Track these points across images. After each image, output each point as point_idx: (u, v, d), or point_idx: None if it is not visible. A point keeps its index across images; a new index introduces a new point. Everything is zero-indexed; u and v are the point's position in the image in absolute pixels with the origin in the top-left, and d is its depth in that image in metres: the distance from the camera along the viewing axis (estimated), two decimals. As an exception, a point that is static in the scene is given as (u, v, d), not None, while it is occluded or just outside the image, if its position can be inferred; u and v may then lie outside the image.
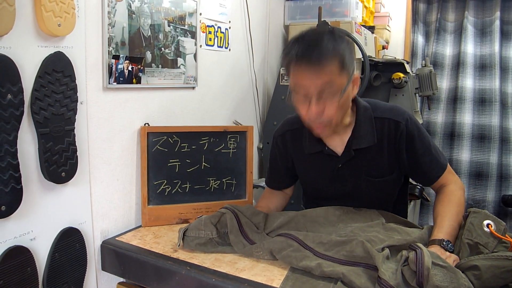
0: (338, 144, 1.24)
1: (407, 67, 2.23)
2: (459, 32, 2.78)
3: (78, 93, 1.15)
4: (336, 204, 1.30)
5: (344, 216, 1.26)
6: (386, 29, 2.77)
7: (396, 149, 1.23)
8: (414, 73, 2.26)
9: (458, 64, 2.85)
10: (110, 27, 1.25)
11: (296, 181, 1.47)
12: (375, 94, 2.07)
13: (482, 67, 2.77)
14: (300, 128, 1.28)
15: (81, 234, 1.20)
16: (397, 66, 2.20)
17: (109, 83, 1.27)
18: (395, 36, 3.06)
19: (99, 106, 1.26)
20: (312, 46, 1.03)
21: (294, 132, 1.32)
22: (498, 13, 2.72)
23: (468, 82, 2.75)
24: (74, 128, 1.14)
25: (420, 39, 3.07)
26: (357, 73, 1.11)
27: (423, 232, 1.13)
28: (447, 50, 2.94)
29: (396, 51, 3.08)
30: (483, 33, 2.79)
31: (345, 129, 1.23)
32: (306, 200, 1.54)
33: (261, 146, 2.14)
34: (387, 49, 2.74)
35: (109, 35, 1.25)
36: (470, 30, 2.73)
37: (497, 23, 2.74)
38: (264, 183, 2.01)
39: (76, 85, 1.14)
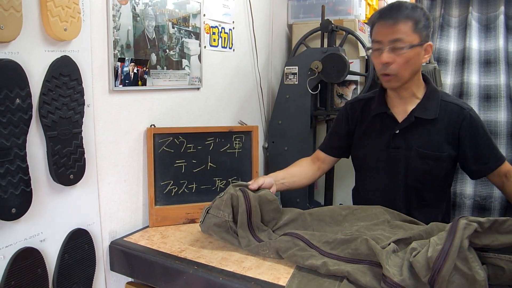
0: (401, 112, 1.35)
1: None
2: (463, 28, 2.76)
3: (85, 96, 1.16)
4: (384, 174, 1.38)
5: (350, 216, 1.27)
6: (390, 26, 2.76)
7: (456, 133, 1.31)
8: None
9: (463, 60, 2.83)
10: (115, 30, 1.27)
11: (345, 156, 1.54)
12: (380, 92, 2.07)
13: (487, 62, 2.76)
14: (370, 98, 1.45)
15: (90, 235, 1.22)
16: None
17: (115, 86, 1.28)
18: (399, 33, 3.05)
19: (106, 108, 1.28)
20: (391, 8, 1.25)
21: (366, 100, 1.47)
22: (502, 8, 2.70)
23: (474, 78, 2.73)
24: (82, 130, 1.16)
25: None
26: (430, 42, 1.28)
27: (429, 227, 1.13)
28: (451, 46, 2.92)
29: (401, 48, 3.07)
30: (487, 28, 2.77)
31: (412, 100, 1.34)
32: (355, 171, 1.55)
33: (266, 146, 2.15)
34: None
35: (114, 38, 1.27)
36: (474, 25, 2.71)
37: (502, 18, 2.72)
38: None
39: (83, 88, 1.15)
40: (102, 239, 1.29)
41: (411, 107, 1.33)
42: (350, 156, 1.54)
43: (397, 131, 1.34)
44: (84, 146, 1.17)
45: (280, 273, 1.07)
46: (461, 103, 1.36)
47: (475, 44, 2.76)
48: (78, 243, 1.19)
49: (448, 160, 1.33)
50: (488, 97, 2.61)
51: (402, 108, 1.35)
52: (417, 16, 1.23)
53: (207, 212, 1.22)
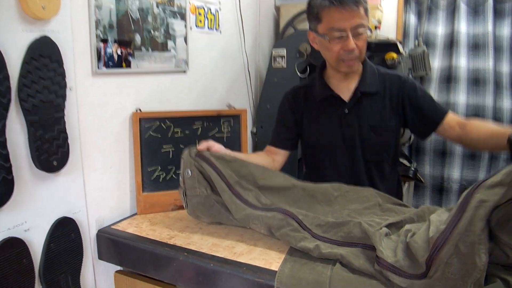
0: (345, 91, 1.38)
1: (400, 47, 2.20)
2: (452, 10, 2.75)
3: (66, 79, 1.11)
4: (343, 155, 1.38)
5: (341, 198, 1.24)
6: (378, 9, 2.72)
7: (399, 100, 1.36)
8: (407, 53, 2.24)
9: (451, 44, 2.82)
10: (96, 9, 1.21)
11: (295, 147, 1.52)
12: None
13: (476, 46, 2.75)
14: (310, 85, 1.46)
15: (76, 224, 1.18)
16: (390, 46, 2.16)
17: (98, 68, 1.24)
18: (387, 16, 3.01)
19: (89, 91, 1.23)
20: None
21: (304, 88, 1.48)
22: (490, -9, 2.69)
23: (462, 62, 2.73)
24: (64, 115, 1.11)
25: (412, 19, 3.03)
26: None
27: (419, 210, 1.12)
28: (439, 29, 2.90)
29: (389, 32, 3.04)
30: (476, 11, 2.76)
31: (353, 77, 1.38)
32: (306, 159, 1.55)
33: (255, 131, 2.12)
34: (379, 29, 2.71)
35: (96, 18, 1.22)
36: (463, 8, 2.69)
37: (490, 1, 2.72)
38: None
39: (64, 70, 1.10)
40: (89, 228, 1.25)
41: (353, 84, 1.37)
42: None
43: (347, 111, 1.36)
44: (67, 131, 1.12)
45: (272, 258, 1.05)
46: (398, 73, 1.43)
47: (463, 27, 2.74)
48: (64, 232, 1.15)
49: (397, 129, 1.40)
50: (477, 81, 2.61)
51: (345, 87, 1.38)
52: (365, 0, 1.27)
53: (185, 195, 1.20)
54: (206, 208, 1.19)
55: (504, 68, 2.72)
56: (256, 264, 1.02)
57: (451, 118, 1.31)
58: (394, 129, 1.38)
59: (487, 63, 2.65)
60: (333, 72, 1.39)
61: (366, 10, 1.26)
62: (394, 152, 1.42)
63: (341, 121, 1.37)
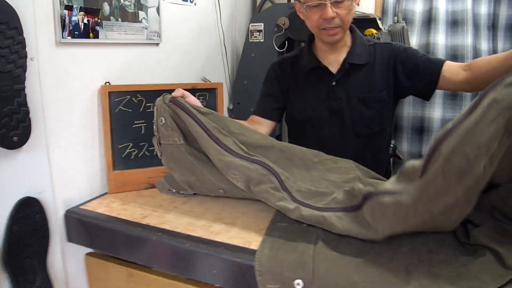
0: (333, 63, 1.34)
1: (379, 23, 2.16)
2: (431, -14, 2.72)
3: (27, 48, 1.02)
4: (329, 129, 1.34)
5: (320, 165, 1.19)
6: (356, -16, 2.67)
7: (389, 67, 1.31)
8: (386, 29, 2.20)
9: (429, 20, 2.80)
10: (60, -27, 1.12)
11: (280, 119, 1.49)
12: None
13: (454, 23, 2.74)
14: (298, 55, 1.42)
15: (41, 204, 1.11)
16: (369, 22, 2.13)
17: (62, 37, 1.14)
18: (366, -8, 2.97)
19: (53, 63, 1.14)
20: None
21: (292, 58, 1.43)
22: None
23: (440, 38, 2.72)
24: (25, 87, 1.03)
25: (390, -5, 2.99)
26: None
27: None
28: (418, 6, 2.88)
29: (367, 8, 3.00)
30: (454, -13, 2.74)
31: (342, 49, 1.34)
32: (290, 134, 1.51)
33: (231, 107, 2.06)
34: (358, 5, 2.66)
35: (60, -17, 1.12)
36: (441, -16, 2.67)
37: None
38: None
39: (24, 38, 1.01)
40: (56, 208, 1.18)
41: (342, 56, 1.33)
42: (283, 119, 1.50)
43: (334, 83, 1.32)
44: (28, 105, 1.04)
45: (251, 236, 1.00)
46: (387, 42, 1.40)
47: (442, 4, 2.73)
48: (28, 213, 1.08)
49: (389, 100, 1.34)
50: (455, 57, 2.60)
51: (333, 59, 1.34)
52: None
53: (159, 144, 1.14)
54: (178, 159, 1.13)
55: (483, 45, 2.73)
56: (235, 244, 0.97)
57: (450, 64, 1.26)
58: (385, 100, 1.33)
59: (466, 40, 2.65)
60: (321, 44, 1.35)
61: None
62: (386, 125, 1.38)
63: (329, 93, 1.33)
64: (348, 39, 1.35)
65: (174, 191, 1.27)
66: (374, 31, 2.07)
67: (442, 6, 2.70)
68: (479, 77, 1.14)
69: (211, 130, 1.09)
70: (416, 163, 0.81)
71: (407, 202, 0.78)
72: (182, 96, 1.16)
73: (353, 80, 1.32)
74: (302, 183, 1.07)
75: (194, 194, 1.27)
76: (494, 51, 2.75)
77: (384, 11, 3.07)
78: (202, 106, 1.17)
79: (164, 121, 1.12)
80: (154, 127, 1.15)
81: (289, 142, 1.48)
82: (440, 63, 1.27)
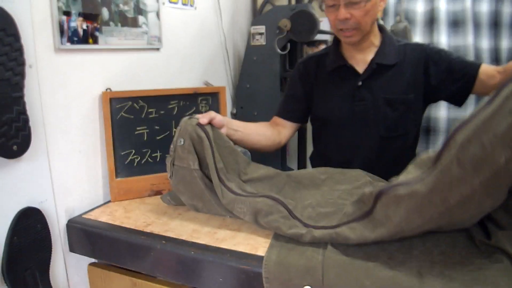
0: (360, 62, 1.30)
1: (382, 23, 2.14)
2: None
3: (25, 55, 1.00)
4: (352, 130, 1.30)
5: (329, 181, 1.17)
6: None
7: (419, 69, 1.26)
8: (389, 29, 2.18)
9: (431, 21, 2.78)
10: (57, -22, 1.10)
11: (305, 121, 1.46)
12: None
13: (455, 23, 2.73)
14: (324, 54, 1.39)
15: (42, 214, 1.08)
16: (372, 22, 2.11)
17: (61, 44, 1.13)
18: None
19: (52, 69, 1.12)
20: None
21: (317, 57, 1.40)
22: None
23: (443, 39, 2.70)
24: (24, 94, 1.01)
25: (392, -5, 2.96)
26: None
27: None
28: (419, 6, 2.87)
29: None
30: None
31: (370, 49, 1.29)
32: (314, 136, 1.46)
33: (235, 111, 2.03)
34: (381, 11, 2.65)
35: (57, -12, 1.10)
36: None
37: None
38: (240, 149, 1.93)
39: (22, 45, 0.99)
40: (58, 218, 1.15)
41: (370, 56, 1.28)
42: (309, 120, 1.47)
43: (360, 83, 1.28)
44: (28, 113, 1.02)
45: (258, 242, 0.97)
46: (417, 43, 1.35)
47: (443, 4, 2.71)
48: (29, 224, 1.05)
49: (416, 102, 1.28)
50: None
51: (360, 59, 1.30)
52: None
53: (172, 165, 1.11)
54: (189, 183, 1.10)
55: (483, 44, 2.70)
56: (241, 250, 0.94)
57: (487, 67, 1.19)
58: (413, 103, 1.27)
59: (467, 40, 2.62)
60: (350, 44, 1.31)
61: None
62: (411, 128, 1.32)
63: (354, 93, 1.29)
64: (376, 39, 1.30)
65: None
66: (377, 31, 2.05)
67: (443, 6, 2.69)
68: None
69: (219, 171, 1.07)
70: (431, 153, 0.78)
71: (422, 191, 0.74)
72: (210, 121, 1.12)
73: (380, 81, 1.27)
74: (311, 208, 1.04)
75: None
76: (496, 49, 2.72)
77: (385, 11, 3.05)
78: (229, 125, 1.18)
79: (183, 143, 1.10)
80: (172, 146, 1.12)
81: (312, 141, 1.47)
82: (477, 65, 1.21)
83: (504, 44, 2.72)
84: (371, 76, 1.27)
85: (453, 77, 1.23)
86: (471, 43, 2.66)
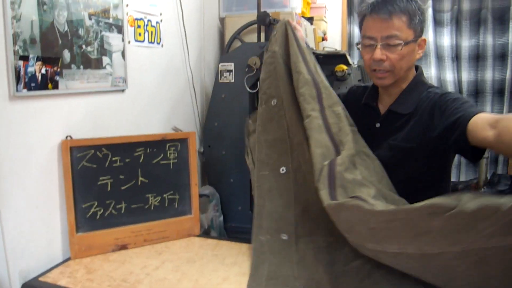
0: (385, 105, 1.30)
1: (349, 58, 2.16)
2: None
3: (-24, 105, 0.91)
4: None
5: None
6: (323, 20, 2.69)
7: (426, 119, 1.17)
8: (356, 64, 2.20)
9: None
10: (14, 20, 1.02)
11: None
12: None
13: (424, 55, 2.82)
14: (367, 86, 1.40)
15: (-8, 280, 0.97)
16: (339, 58, 2.12)
17: (17, 91, 1.04)
18: (332, 28, 3.00)
19: (6, 118, 1.03)
20: (385, 1, 1.16)
21: (363, 87, 1.43)
22: (430, 2, 2.76)
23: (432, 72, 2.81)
24: (-27, 149, 0.91)
25: (356, 30, 3.04)
26: (424, 37, 1.22)
27: None
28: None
29: (334, 43, 3.02)
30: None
31: (395, 92, 1.27)
32: None
33: (202, 150, 1.96)
34: (326, 40, 2.67)
35: (14, 31, 1.02)
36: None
37: (430, 11, 2.78)
38: (208, 191, 1.85)
39: (-28, 95, 0.90)
40: (10, 282, 1.04)
41: (392, 100, 1.28)
42: None
43: (378, 125, 1.29)
44: (-23, 169, 0.92)
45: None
46: (436, 91, 1.21)
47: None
48: (-24, 292, 0.94)
49: (420, 153, 1.19)
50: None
51: (386, 101, 1.29)
52: (412, 10, 1.16)
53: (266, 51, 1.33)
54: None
55: (448, 76, 2.79)
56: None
57: (479, 117, 1.00)
58: (413, 152, 1.19)
59: (429, 71, 2.70)
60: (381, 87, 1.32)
61: (409, 22, 1.15)
62: (418, 177, 1.22)
63: (372, 134, 1.28)
64: (405, 84, 1.26)
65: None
66: (344, 67, 2.06)
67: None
68: (505, 141, 0.89)
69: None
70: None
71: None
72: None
73: (393, 126, 1.26)
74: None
75: None
76: (459, 81, 2.82)
77: (350, 45, 3.11)
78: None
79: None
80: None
81: None
82: (470, 113, 1.03)
83: (465, 76, 2.82)
84: (387, 120, 1.27)
85: (450, 126, 1.09)
86: (434, 75, 2.75)
